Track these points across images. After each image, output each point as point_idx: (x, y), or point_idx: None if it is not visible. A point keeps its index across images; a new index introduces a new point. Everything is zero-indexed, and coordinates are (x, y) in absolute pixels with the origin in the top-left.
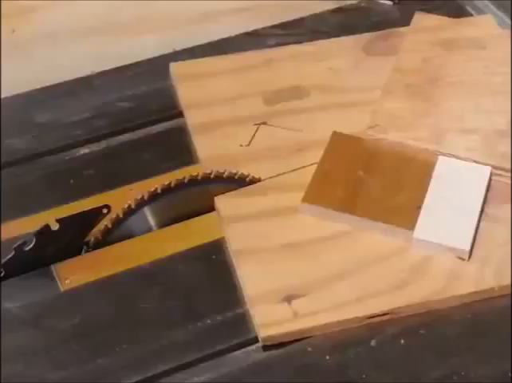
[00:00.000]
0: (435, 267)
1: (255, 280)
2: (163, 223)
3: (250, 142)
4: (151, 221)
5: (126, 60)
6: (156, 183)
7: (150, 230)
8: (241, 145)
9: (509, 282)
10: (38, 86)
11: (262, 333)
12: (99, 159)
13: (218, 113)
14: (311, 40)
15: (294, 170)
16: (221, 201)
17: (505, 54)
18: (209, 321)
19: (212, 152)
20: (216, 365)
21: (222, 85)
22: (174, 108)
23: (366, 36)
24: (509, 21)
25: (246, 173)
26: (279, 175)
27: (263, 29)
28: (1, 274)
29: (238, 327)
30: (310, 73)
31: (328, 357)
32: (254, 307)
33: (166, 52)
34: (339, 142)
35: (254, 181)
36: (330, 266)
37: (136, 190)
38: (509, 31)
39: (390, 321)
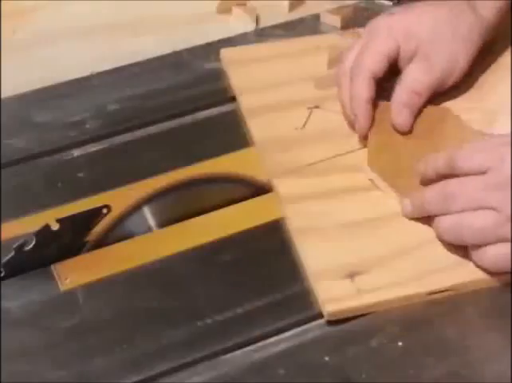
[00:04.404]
0: None
1: (317, 257)
2: (163, 223)
3: (304, 125)
4: (151, 221)
5: (126, 60)
6: (157, 182)
7: (150, 230)
8: (295, 128)
9: None
10: (38, 86)
11: (327, 308)
12: (98, 159)
13: (271, 97)
14: None
15: (349, 152)
16: (279, 182)
17: None
18: (209, 321)
19: (266, 134)
20: (216, 365)
21: (273, 70)
22: (173, 108)
23: None
24: None
25: (249, 174)
26: (333, 157)
27: (263, 29)
28: (2, 274)
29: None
30: None
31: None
32: (318, 282)
33: (166, 52)
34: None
35: (257, 183)
36: (391, 243)
37: (136, 190)
38: None
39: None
